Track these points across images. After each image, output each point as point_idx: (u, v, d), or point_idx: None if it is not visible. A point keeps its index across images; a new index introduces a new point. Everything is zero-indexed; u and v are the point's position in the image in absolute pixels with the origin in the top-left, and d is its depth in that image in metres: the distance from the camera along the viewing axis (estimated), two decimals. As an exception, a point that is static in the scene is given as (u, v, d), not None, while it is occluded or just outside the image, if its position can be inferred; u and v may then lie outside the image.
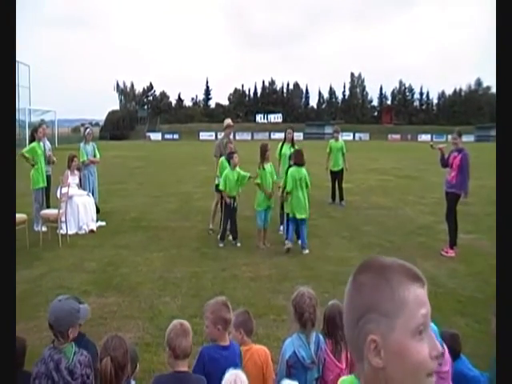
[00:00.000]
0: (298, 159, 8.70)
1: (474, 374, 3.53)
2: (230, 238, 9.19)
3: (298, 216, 8.55)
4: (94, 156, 11.49)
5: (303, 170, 8.63)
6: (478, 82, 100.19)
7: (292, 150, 9.87)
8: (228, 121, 10.50)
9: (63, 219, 9.30)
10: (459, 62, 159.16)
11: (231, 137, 10.57)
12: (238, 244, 9.04)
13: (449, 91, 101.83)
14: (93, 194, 10.96)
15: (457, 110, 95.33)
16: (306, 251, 8.59)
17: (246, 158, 9.49)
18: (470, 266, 7.81)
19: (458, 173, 8.58)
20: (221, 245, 8.96)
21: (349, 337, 1.11)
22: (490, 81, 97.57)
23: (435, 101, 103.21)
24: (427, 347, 1.02)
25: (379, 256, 1.14)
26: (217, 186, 9.74)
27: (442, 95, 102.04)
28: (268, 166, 9.13)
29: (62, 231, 9.15)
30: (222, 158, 9.54)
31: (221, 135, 10.91)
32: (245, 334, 3.46)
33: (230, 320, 3.36)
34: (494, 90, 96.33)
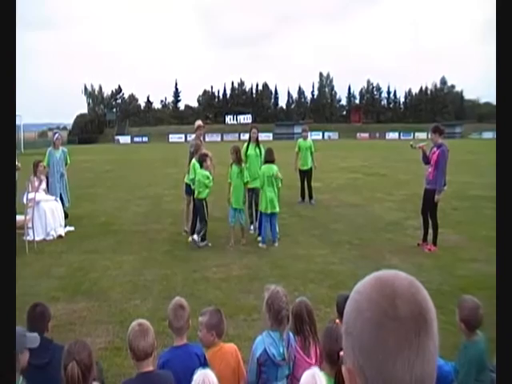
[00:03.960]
0: (268, 157, 9.11)
1: (438, 364, 3.62)
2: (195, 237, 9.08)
3: (270, 210, 8.84)
4: (65, 162, 11.30)
5: (274, 167, 8.97)
6: (443, 81, 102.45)
7: (257, 150, 9.91)
8: (198, 122, 10.46)
9: (30, 225, 9.12)
10: (425, 61, 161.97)
11: (201, 138, 10.51)
12: (206, 244, 9.01)
13: (415, 90, 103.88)
14: (62, 201, 10.77)
15: (423, 108, 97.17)
16: (276, 244, 8.99)
17: (215, 160, 9.49)
18: (437, 260, 7.97)
19: (435, 169, 8.45)
20: (202, 244, 8.92)
21: None
22: (454, 79, 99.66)
23: (402, 99, 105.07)
24: None
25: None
26: (187, 186, 9.71)
27: (408, 94, 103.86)
28: (235, 167, 9.19)
29: (28, 237, 8.97)
30: (194, 161, 9.47)
31: (191, 137, 10.85)
32: (216, 337, 3.47)
33: (224, 329, 3.53)
34: (458, 88, 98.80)
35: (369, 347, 0.88)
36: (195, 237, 8.90)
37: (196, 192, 8.97)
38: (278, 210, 9.08)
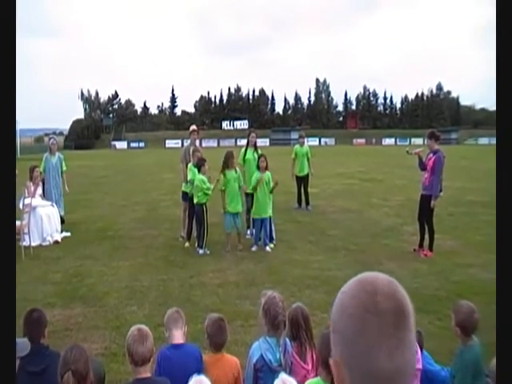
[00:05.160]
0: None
1: (435, 369, 3.64)
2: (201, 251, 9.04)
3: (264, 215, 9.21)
4: (61, 167, 11.35)
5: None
6: (439, 87, 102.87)
7: (256, 154, 9.91)
8: (193, 126, 10.50)
9: (26, 231, 9.09)
10: (421, 67, 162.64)
11: (197, 143, 10.53)
12: (201, 251, 8.96)
13: (411, 96, 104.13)
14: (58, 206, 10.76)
15: (419, 114, 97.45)
16: (270, 247, 9.19)
17: (212, 165, 9.50)
18: (433, 266, 7.99)
19: (431, 174, 8.51)
20: (201, 252, 8.90)
21: None
22: (450, 85, 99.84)
23: (398, 105, 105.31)
24: None
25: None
26: (184, 193, 9.73)
27: (405, 100, 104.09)
28: (231, 173, 9.16)
29: (24, 243, 8.93)
30: (190, 165, 9.47)
31: (187, 142, 10.90)
32: (213, 348, 3.49)
33: (225, 340, 3.53)
34: (454, 94, 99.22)
35: (352, 341, 0.95)
36: (201, 251, 8.92)
37: (196, 197, 8.95)
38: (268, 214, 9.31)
